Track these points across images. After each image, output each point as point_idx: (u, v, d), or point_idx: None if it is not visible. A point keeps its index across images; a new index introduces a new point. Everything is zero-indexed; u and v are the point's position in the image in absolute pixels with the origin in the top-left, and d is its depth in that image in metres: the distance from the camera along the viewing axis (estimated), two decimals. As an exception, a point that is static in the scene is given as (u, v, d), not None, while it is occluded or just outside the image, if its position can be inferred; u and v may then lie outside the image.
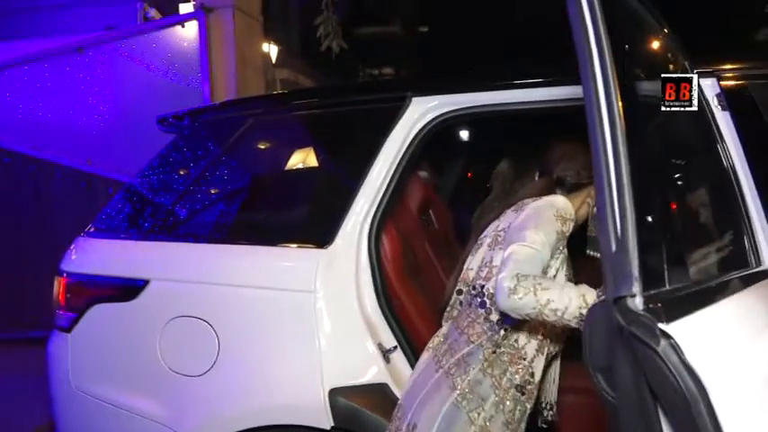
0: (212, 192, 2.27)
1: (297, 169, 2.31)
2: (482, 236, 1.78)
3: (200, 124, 2.43)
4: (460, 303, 1.73)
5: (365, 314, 1.86)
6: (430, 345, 1.70)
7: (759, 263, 1.53)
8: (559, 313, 1.38)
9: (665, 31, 1.46)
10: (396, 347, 1.87)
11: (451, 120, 1.98)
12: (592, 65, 0.91)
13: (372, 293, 1.89)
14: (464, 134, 3.93)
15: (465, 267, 1.77)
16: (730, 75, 1.74)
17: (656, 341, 0.74)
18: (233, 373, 1.87)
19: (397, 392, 1.79)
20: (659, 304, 0.79)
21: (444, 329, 1.72)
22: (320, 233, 1.91)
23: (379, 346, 1.84)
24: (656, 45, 1.47)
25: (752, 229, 1.56)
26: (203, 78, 5.55)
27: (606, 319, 0.80)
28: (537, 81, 1.87)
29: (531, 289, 1.39)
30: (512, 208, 1.75)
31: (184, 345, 1.94)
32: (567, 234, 1.65)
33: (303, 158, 2.30)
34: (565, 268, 1.66)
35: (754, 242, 1.55)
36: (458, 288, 1.77)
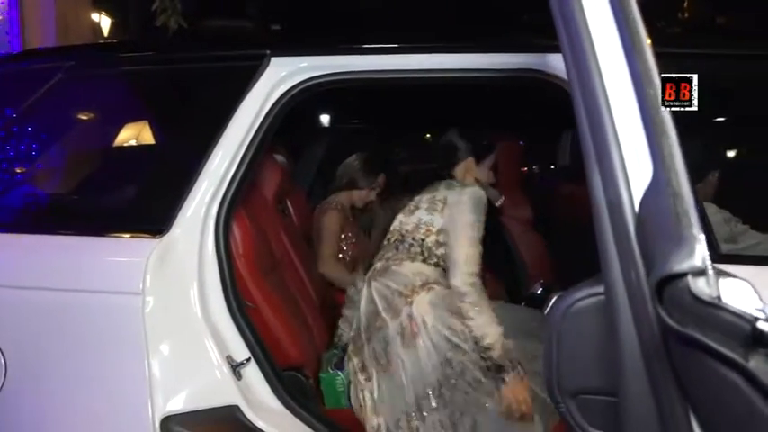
0: (6, 166, 1.73)
1: (124, 139, 1.84)
2: (414, 202, 2.02)
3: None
4: (396, 248, 1.98)
5: (210, 321, 1.49)
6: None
7: None
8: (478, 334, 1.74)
9: None
10: (249, 360, 1.52)
11: (317, 87, 1.66)
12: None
13: (220, 295, 1.52)
14: (327, 114, 3.63)
15: (397, 225, 2.02)
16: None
17: (744, 354, 0.43)
18: (25, 405, 1.40)
19: (251, 415, 1.45)
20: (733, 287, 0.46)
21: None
22: (152, 219, 1.50)
23: (228, 359, 1.48)
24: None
25: None
26: (13, 45, 4.75)
27: (599, 316, 0.53)
28: (425, 46, 1.63)
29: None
30: (443, 185, 2.01)
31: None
32: None
33: (131, 126, 1.84)
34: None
35: None
36: (388, 237, 2.03)
